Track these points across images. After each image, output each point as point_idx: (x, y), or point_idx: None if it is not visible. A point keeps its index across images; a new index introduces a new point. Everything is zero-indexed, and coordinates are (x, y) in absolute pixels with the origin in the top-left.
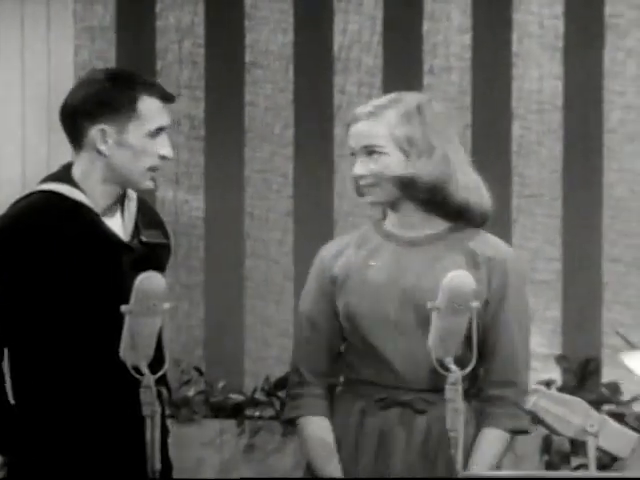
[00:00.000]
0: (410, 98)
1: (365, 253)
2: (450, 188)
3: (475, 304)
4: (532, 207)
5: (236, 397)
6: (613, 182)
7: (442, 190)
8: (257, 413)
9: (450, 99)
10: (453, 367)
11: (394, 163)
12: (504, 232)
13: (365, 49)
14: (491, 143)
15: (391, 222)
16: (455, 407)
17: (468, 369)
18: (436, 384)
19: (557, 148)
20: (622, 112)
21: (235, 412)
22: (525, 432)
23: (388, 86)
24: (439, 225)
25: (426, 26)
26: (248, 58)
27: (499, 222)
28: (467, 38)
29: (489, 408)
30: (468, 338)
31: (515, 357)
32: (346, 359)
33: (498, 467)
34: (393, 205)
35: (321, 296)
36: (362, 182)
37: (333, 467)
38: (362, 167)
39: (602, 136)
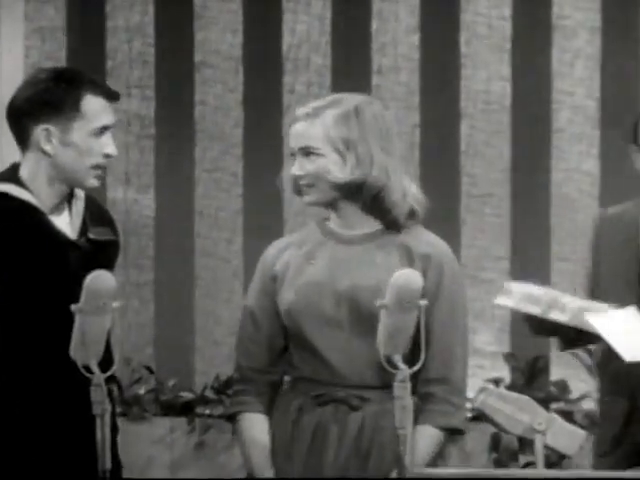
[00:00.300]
0: (349, 100)
1: (305, 252)
2: (385, 190)
3: (423, 302)
4: (480, 206)
5: (186, 395)
6: (561, 181)
7: (377, 192)
8: (207, 411)
9: (398, 99)
10: (401, 365)
11: (330, 165)
12: (453, 231)
13: (314, 49)
14: (440, 143)
15: (332, 221)
16: (404, 404)
17: (417, 367)
18: (372, 381)
19: (505, 148)
20: (570, 112)
21: (185, 410)
22: (458, 430)
23: (337, 86)
24: (377, 224)
25: (374, 26)
26: (198, 58)
27: (448, 221)
28: (415, 38)
29: (423, 405)
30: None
31: (449, 354)
32: (288, 357)
33: (438, 464)
34: (331, 205)
35: (263, 294)
36: (300, 182)
37: (264, 466)
38: (299, 168)
39: (550, 136)
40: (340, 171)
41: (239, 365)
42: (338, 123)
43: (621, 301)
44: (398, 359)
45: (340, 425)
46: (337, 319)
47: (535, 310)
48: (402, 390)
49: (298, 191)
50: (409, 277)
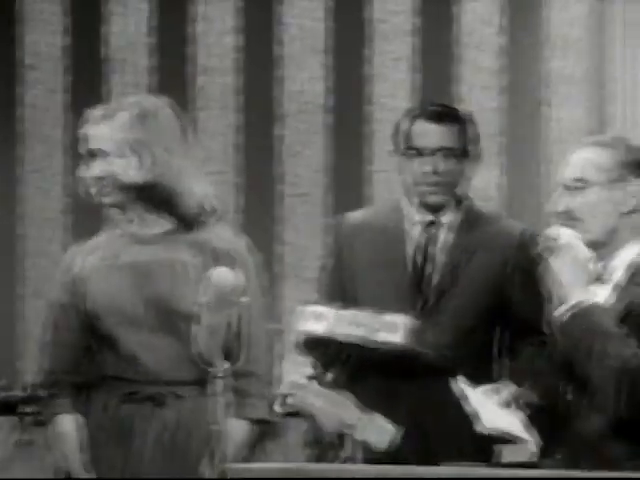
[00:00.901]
0: (143, 102)
1: (104, 253)
2: (176, 190)
3: (243, 299)
4: (298, 205)
5: (13, 394)
6: (377, 181)
7: (168, 192)
8: (32, 410)
9: (222, 99)
10: (217, 362)
11: (124, 167)
12: (271, 229)
13: (137, 50)
14: (260, 143)
15: (128, 221)
16: (218, 400)
17: (237, 363)
18: (184, 377)
19: (323, 148)
20: (386, 113)
21: (10, 409)
22: (267, 422)
23: (163, 86)
24: (172, 223)
25: (200, 27)
26: (22, 59)
27: (267, 219)
28: (235, 39)
29: (235, 399)
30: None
31: (255, 348)
32: (96, 357)
33: (259, 459)
34: (127, 205)
35: (66, 296)
36: (96, 184)
37: (77, 463)
38: (94, 169)
39: (367, 137)
40: (133, 172)
41: (47, 369)
42: (132, 125)
43: (384, 306)
44: (215, 356)
45: (148, 421)
46: (141, 319)
47: (359, 332)
48: (218, 386)
49: (96, 192)
50: (226, 276)
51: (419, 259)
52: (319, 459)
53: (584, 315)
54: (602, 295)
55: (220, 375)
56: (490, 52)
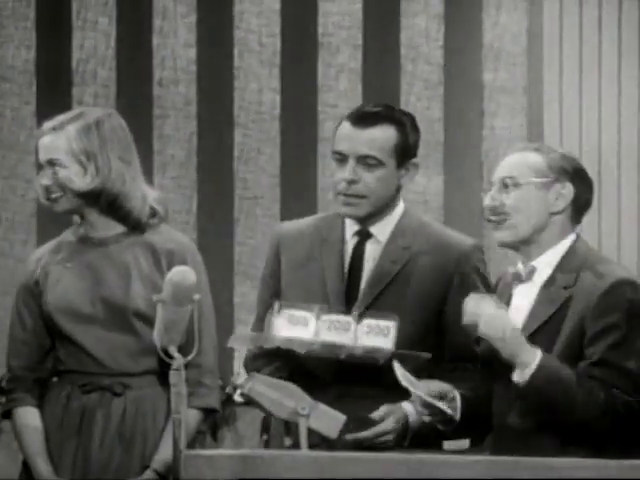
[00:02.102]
0: (90, 113)
1: (62, 257)
2: (122, 195)
3: (197, 296)
4: (252, 208)
5: None
6: (327, 186)
7: (114, 198)
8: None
9: (177, 108)
10: (176, 354)
11: (72, 175)
12: (227, 230)
13: (100, 63)
14: (215, 149)
15: (83, 226)
16: (178, 391)
17: (191, 356)
18: (133, 368)
19: (275, 154)
20: (334, 122)
21: None
22: (214, 410)
23: (121, 97)
24: (121, 226)
25: (155, 41)
26: None
27: (223, 221)
28: (193, 52)
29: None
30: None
31: (204, 341)
32: (55, 353)
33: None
34: (80, 211)
35: (28, 298)
36: (46, 192)
37: (38, 451)
38: (46, 179)
39: (316, 144)
40: (82, 181)
41: (9, 365)
42: (79, 136)
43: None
44: (173, 350)
45: (105, 411)
46: (94, 316)
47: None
48: (177, 377)
49: (48, 199)
50: (183, 274)
51: (352, 272)
52: (268, 445)
53: (541, 376)
54: (532, 294)
55: (176, 367)
56: (431, 64)
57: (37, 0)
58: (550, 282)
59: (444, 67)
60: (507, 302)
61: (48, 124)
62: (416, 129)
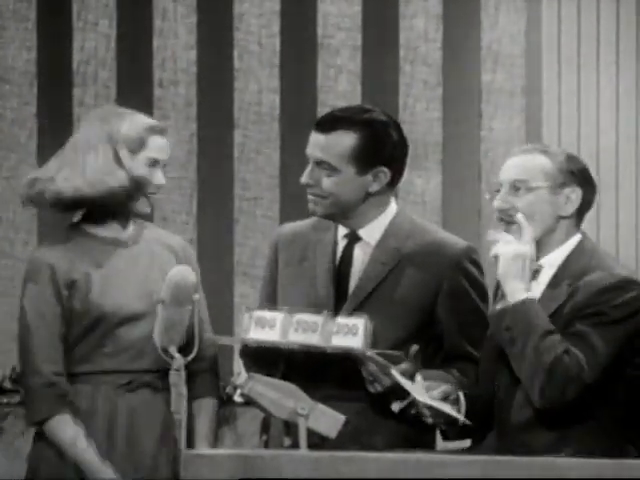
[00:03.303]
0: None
1: (95, 257)
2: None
3: (196, 296)
4: (252, 208)
5: None
6: None
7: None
8: (5, 400)
9: (178, 110)
10: (177, 355)
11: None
12: (227, 230)
13: (101, 64)
14: (215, 151)
15: (99, 227)
16: (179, 391)
17: (191, 356)
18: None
19: (275, 155)
20: None
21: None
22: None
23: (122, 98)
24: (132, 225)
25: (156, 43)
26: None
27: (223, 221)
28: (193, 54)
29: (197, 380)
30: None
31: (202, 335)
32: (78, 354)
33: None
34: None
35: (54, 299)
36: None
37: (100, 462)
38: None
39: None
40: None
41: (40, 370)
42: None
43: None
44: (174, 350)
45: (151, 408)
46: (141, 314)
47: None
48: (177, 378)
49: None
50: (184, 273)
51: (341, 274)
52: (267, 445)
53: (522, 310)
54: (537, 292)
55: (176, 368)
56: (429, 65)
57: (38, 1)
58: (555, 281)
59: (442, 68)
60: None
61: None
62: (389, 135)
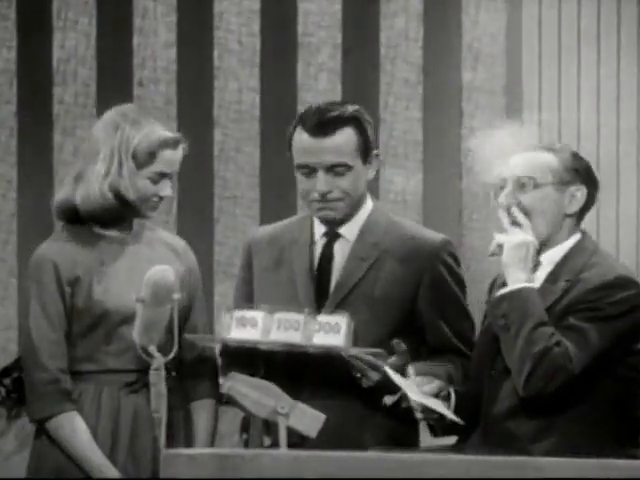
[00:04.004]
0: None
1: (99, 255)
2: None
3: (176, 296)
4: (232, 207)
5: None
6: None
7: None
8: None
9: (158, 108)
10: (156, 354)
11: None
12: (207, 229)
13: (81, 63)
14: (195, 149)
15: (102, 226)
16: (158, 390)
17: (170, 355)
18: (172, 362)
19: (255, 154)
20: None
21: None
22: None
23: (102, 96)
24: (135, 224)
25: (136, 41)
26: None
27: (202, 220)
28: (173, 52)
29: (195, 382)
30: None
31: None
32: (80, 352)
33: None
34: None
35: (60, 298)
36: None
37: (105, 462)
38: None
39: None
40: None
41: (45, 366)
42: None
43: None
44: (153, 349)
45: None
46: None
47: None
48: (156, 377)
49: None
50: (163, 273)
51: (321, 273)
52: (246, 445)
53: (519, 298)
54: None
55: (156, 367)
56: (410, 64)
57: (18, 0)
58: (552, 277)
59: (423, 67)
60: None
61: None
62: (368, 120)
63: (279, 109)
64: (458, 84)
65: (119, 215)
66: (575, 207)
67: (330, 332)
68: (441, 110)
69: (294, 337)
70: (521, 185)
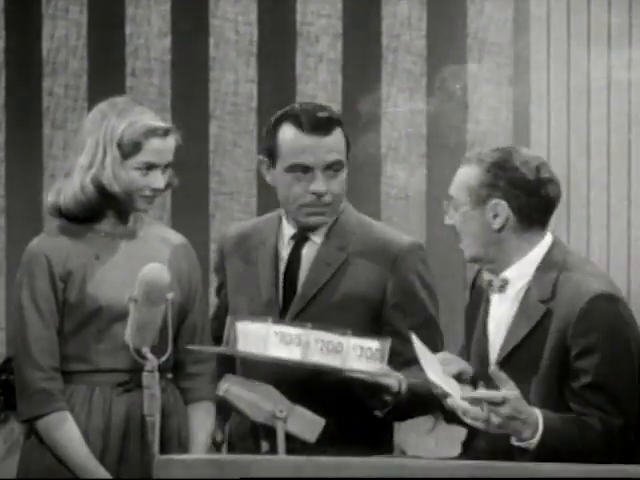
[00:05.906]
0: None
1: (93, 251)
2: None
3: (170, 295)
4: (228, 203)
5: None
6: None
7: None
8: None
9: (151, 100)
10: (150, 355)
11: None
12: (203, 225)
13: (71, 53)
14: (190, 143)
15: (100, 221)
16: (152, 393)
17: (164, 357)
18: (167, 363)
19: (252, 148)
20: None
21: None
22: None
23: (93, 87)
24: (131, 220)
25: (128, 30)
26: None
27: (198, 216)
28: (167, 42)
29: (196, 383)
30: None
31: (203, 338)
32: (71, 351)
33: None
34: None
35: (52, 294)
36: None
37: (92, 462)
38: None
39: None
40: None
41: (40, 363)
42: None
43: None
44: (146, 351)
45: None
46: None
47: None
48: (150, 379)
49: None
50: (156, 272)
51: (288, 278)
52: (244, 450)
53: (550, 445)
54: (505, 307)
55: (150, 369)
56: (413, 54)
57: None
58: (527, 296)
59: (427, 57)
60: (486, 308)
61: None
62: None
63: (277, 101)
64: (463, 75)
65: (104, 209)
66: (499, 222)
67: (371, 359)
68: (445, 102)
69: (334, 360)
70: (452, 205)
